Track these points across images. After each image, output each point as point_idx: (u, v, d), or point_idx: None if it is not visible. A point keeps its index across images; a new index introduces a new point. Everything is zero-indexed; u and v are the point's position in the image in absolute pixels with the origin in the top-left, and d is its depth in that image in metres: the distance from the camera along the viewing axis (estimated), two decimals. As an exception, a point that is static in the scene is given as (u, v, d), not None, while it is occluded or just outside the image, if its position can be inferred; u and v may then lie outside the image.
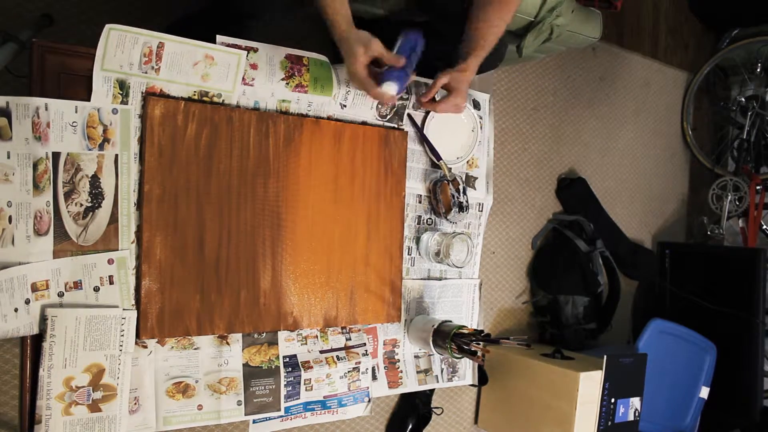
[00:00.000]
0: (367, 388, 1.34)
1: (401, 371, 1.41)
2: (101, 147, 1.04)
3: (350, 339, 1.33)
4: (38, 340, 1.00)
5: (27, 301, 0.98)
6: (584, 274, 2.27)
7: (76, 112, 1.02)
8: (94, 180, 1.04)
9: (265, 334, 1.22)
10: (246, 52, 1.16)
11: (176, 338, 1.13)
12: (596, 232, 2.38)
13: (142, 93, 1.08)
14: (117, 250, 1.06)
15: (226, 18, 1.28)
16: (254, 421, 1.22)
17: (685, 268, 2.70)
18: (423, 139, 1.40)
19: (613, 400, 1.84)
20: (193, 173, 1.13)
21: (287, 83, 1.22)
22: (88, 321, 1.02)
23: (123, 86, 1.06)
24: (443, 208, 1.43)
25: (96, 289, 1.04)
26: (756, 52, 2.90)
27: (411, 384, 1.43)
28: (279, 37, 1.09)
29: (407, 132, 1.40)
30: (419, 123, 1.42)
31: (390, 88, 1.16)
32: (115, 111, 1.05)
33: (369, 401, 1.35)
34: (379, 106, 1.35)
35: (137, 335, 1.08)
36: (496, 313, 2.26)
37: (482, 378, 1.91)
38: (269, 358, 1.21)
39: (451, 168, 1.42)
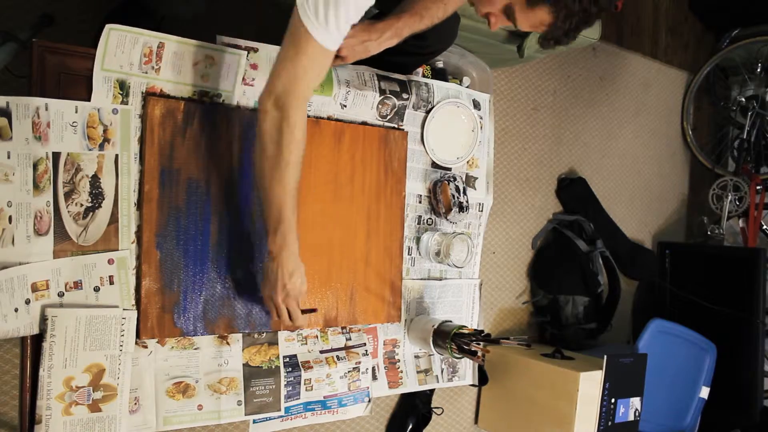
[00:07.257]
0: (367, 388, 1.34)
1: (401, 371, 1.41)
2: (101, 147, 1.04)
3: (350, 339, 1.33)
4: (38, 340, 1.00)
5: (27, 301, 0.98)
6: (584, 274, 2.27)
7: (76, 112, 1.02)
8: (94, 180, 1.04)
9: (265, 334, 1.22)
10: (246, 52, 1.16)
11: (176, 338, 1.13)
12: (596, 232, 2.37)
13: (142, 93, 1.08)
14: (117, 250, 1.06)
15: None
16: (254, 421, 1.22)
17: (685, 268, 2.69)
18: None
19: (613, 400, 1.84)
20: (194, 173, 1.12)
21: (287, 83, 1.22)
22: (88, 321, 1.02)
23: (123, 86, 1.06)
24: (443, 208, 1.42)
25: (96, 289, 1.04)
26: (756, 52, 2.90)
27: (411, 384, 1.43)
28: (278, 35, 1.08)
29: (407, 132, 1.40)
30: (419, 123, 1.42)
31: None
32: (115, 111, 1.05)
33: (369, 401, 1.34)
34: (379, 106, 1.35)
35: (137, 335, 1.08)
36: (496, 313, 2.26)
37: (482, 378, 1.90)
38: (269, 358, 1.21)
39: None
